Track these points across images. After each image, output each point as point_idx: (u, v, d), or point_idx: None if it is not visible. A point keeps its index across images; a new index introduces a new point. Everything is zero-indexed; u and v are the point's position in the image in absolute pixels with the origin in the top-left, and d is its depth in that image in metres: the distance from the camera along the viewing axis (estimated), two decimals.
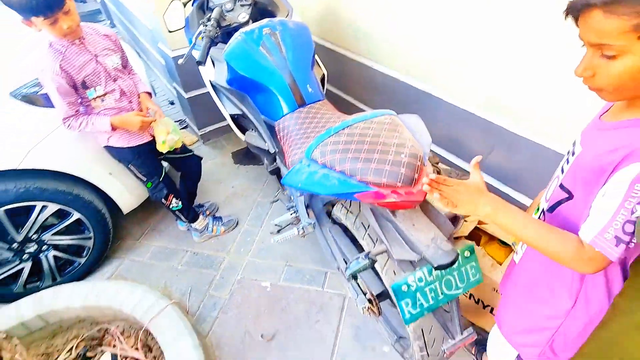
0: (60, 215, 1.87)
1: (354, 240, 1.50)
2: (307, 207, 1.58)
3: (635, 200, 0.64)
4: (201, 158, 2.15)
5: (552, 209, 0.85)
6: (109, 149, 1.77)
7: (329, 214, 1.61)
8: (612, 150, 0.68)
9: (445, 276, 0.96)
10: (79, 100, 1.61)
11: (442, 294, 0.97)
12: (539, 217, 0.90)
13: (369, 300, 1.41)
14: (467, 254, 0.96)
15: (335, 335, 1.71)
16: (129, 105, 1.72)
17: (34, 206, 1.74)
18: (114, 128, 1.63)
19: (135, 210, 2.16)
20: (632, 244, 0.66)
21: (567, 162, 0.83)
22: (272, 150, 1.73)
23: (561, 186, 0.82)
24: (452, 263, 0.86)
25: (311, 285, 1.92)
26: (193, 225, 2.15)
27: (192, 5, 2.03)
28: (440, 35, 1.73)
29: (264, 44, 1.57)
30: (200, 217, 2.17)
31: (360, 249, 1.48)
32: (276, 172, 2.01)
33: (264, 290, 1.93)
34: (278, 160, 1.79)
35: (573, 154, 0.81)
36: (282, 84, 1.53)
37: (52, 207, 1.78)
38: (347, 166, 0.96)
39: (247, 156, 2.85)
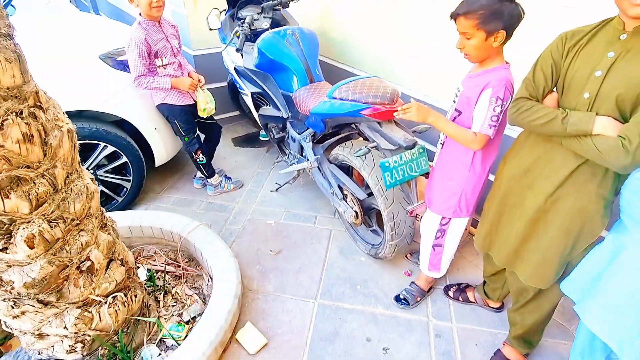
0: (110, 158, 2.36)
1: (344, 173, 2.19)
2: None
3: (493, 105, 1.36)
4: (221, 127, 2.75)
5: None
6: (162, 107, 2.34)
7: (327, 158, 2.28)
8: (476, 85, 1.41)
9: (409, 162, 1.66)
10: (149, 67, 2.21)
11: (407, 173, 1.66)
12: None
13: (355, 212, 2.09)
14: (420, 150, 1.67)
15: (325, 251, 2.32)
16: (181, 75, 2.34)
17: (98, 145, 2.24)
18: (172, 87, 2.23)
19: (155, 171, 2.69)
20: (497, 124, 1.38)
21: (456, 97, 1.54)
22: (285, 116, 2.40)
23: (456, 109, 1.54)
24: (414, 145, 1.58)
25: (305, 223, 2.54)
26: (209, 180, 2.71)
27: (225, 14, 2.74)
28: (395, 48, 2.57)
29: (287, 40, 2.29)
30: (216, 174, 2.74)
31: (350, 176, 2.16)
32: (281, 140, 2.67)
33: (269, 226, 2.51)
34: (288, 125, 2.46)
35: (459, 91, 1.53)
36: (300, 67, 2.25)
37: (110, 149, 2.29)
38: (356, 96, 1.67)
39: (245, 141, 3.47)
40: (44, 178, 1.26)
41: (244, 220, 2.55)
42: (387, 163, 1.60)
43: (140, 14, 2.12)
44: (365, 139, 2.23)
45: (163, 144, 2.54)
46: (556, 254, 1.35)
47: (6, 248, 1.23)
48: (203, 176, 2.72)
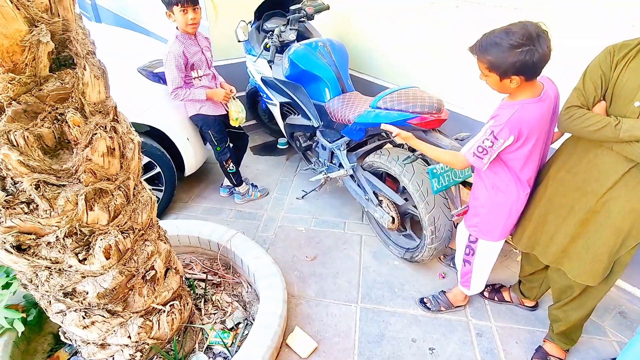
0: (143, 169, 2.38)
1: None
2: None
3: (484, 137, 1.39)
4: (248, 135, 2.80)
5: None
6: (196, 118, 2.38)
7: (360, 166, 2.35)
8: (493, 113, 1.44)
9: (453, 169, 1.74)
10: (185, 79, 2.25)
11: (452, 179, 1.74)
12: None
13: (392, 218, 2.15)
14: None
15: (359, 256, 2.38)
16: (215, 86, 2.39)
17: None
18: (207, 98, 2.28)
19: (180, 180, 2.72)
20: (483, 156, 1.38)
21: None
22: (316, 125, 2.46)
23: None
24: None
25: (335, 229, 2.59)
26: (238, 188, 2.74)
27: (251, 26, 2.80)
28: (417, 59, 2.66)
29: (319, 51, 2.36)
30: (243, 183, 2.77)
31: (384, 182, 2.23)
32: (307, 149, 2.73)
33: (300, 232, 2.56)
34: (318, 134, 2.51)
35: None
36: (332, 77, 2.32)
37: (145, 159, 2.31)
38: (402, 106, 1.75)
39: (264, 149, 3.51)
40: (120, 190, 1.29)
41: (274, 227, 2.59)
42: (434, 170, 1.67)
43: (177, 28, 2.17)
44: (396, 146, 2.31)
45: (193, 154, 2.57)
46: (606, 253, 1.44)
47: (85, 259, 1.25)
48: (231, 185, 2.75)
